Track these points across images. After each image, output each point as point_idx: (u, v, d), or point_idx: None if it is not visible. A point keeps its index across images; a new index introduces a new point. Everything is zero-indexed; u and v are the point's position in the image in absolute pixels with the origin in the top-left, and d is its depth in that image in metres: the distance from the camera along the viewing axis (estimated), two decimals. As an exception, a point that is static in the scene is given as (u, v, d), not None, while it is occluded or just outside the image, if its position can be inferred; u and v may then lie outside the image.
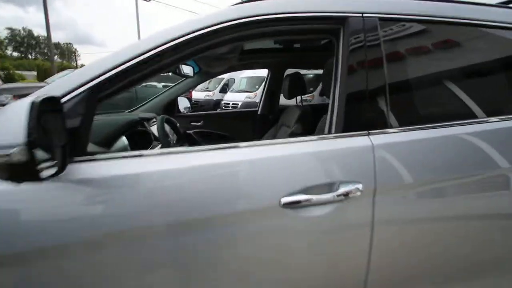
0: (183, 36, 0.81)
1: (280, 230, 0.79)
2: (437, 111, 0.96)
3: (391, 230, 0.85)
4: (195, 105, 9.05)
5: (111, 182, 0.73)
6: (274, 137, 2.12)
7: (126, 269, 0.75)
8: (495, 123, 0.93)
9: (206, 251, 0.76)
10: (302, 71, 2.32)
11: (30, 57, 63.71)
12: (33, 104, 0.59)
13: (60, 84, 0.75)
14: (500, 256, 0.97)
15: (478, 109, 0.95)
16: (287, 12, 0.87)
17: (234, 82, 9.36)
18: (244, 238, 0.78)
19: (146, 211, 0.73)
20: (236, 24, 0.84)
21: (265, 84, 2.63)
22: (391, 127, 0.87)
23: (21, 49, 64.47)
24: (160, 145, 1.19)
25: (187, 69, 1.86)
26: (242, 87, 8.56)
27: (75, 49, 77.89)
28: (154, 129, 1.44)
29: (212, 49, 0.90)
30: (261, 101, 2.60)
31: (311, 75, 7.06)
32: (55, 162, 0.65)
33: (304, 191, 0.77)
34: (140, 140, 1.29)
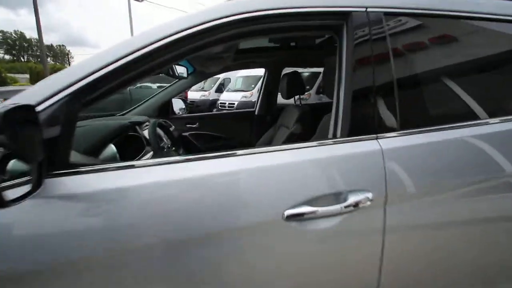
0: (175, 33, 0.74)
1: (284, 244, 0.73)
2: (453, 110, 0.89)
3: (403, 240, 0.79)
4: (191, 105, 8.95)
5: (97, 197, 0.65)
6: (272, 138, 2.06)
7: None
8: None
9: (207, 270, 0.70)
10: (298, 70, 2.26)
11: (22, 59, 62.92)
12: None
13: (36, 90, 0.68)
14: None
15: (502, 107, 0.88)
16: (287, 7, 0.80)
17: (230, 81, 9.28)
18: (246, 254, 0.72)
19: (138, 230, 0.66)
20: (233, 20, 0.77)
21: (262, 83, 2.56)
22: (402, 129, 0.80)
23: (13, 52, 63.63)
24: (152, 153, 1.12)
25: (180, 70, 1.79)
26: (238, 87, 8.49)
27: (69, 51, 77.03)
28: (146, 133, 1.36)
29: (207, 48, 0.83)
30: (258, 101, 2.53)
31: (307, 73, 7.02)
32: (29, 178, 0.58)
33: (309, 202, 0.71)
34: (132, 146, 1.21)
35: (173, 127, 2.20)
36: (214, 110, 8.40)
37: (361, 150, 0.77)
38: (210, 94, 9.39)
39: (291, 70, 1.95)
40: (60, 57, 69.98)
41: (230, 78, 9.42)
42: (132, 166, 0.70)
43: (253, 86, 7.92)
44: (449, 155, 0.80)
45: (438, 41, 0.90)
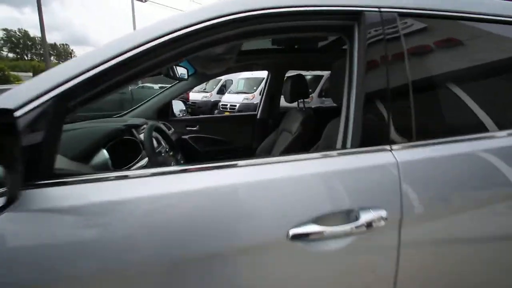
0: (175, 31, 0.68)
1: (289, 266, 0.66)
2: (478, 118, 0.81)
3: (420, 263, 0.72)
4: (193, 106, 8.92)
5: (85, 211, 0.59)
6: (274, 143, 1.99)
7: None
8: None
9: None
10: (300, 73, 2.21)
11: (26, 58, 63.21)
12: None
13: (18, 92, 0.61)
14: None
15: None
16: (295, 5, 0.74)
17: (232, 83, 9.25)
18: (248, 276, 0.65)
19: (130, 249, 0.59)
20: (237, 18, 0.70)
21: (265, 86, 2.50)
22: (419, 139, 0.74)
23: (17, 50, 63.96)
24: (146, 159, 1.05)
25: (181, 71, 1.72)
26: (240, 89, 8.45)
27: (72, 50, 77.42)
28: (143, 137, 1.30)
29: (209, 48, 0.76)
30: (261, 104, 2.46)
31: (309, 76, 6.97)
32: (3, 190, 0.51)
33: (316, 220, 0.64)
34: (127, 150, 1.15)
35: (173, 129, 2.14)
36: (216, 111, 8.36)
37: (374, 162, 0.70)
38: (212, 96, 9.35)
39: (295, 73, 1.89)
40: (64, 56, 70.28)
41: (232, 80, 9.38)
42: (126, 177, 0.64)
43: (255, 88, 7.88)
44: (474, 169, 0.73)
45: (457, 44, 0.84)
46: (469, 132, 0.77)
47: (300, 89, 1.81)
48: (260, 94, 2.76)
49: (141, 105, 2.14)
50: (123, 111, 2.07)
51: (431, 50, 0.83)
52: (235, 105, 7.68)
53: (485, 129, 0.78)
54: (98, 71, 0.64)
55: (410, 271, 0.71)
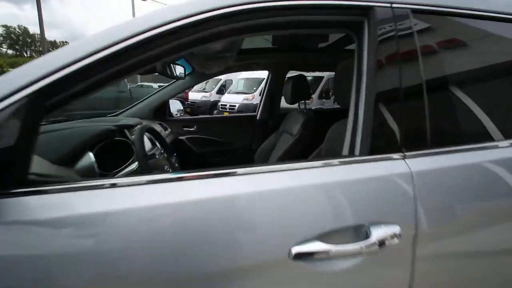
0: (169, 23, 0.61)
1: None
2: (501, 123, 0.74)
3: (435, 281, 0.65)
4: (192, 106, 8.87)
5: (64, 224, 0.52)
6: (274, 145, 1.93)
7: None
8: None
9: None
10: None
11: (25, 55, 62.93)
12: None
13: None
14: None
15: None
16: None
17: (232, 83, 9.19)
18: None
19: (119, 268, 0.52)
20: (238, 11, 0.64)
21: (265, 86, 2.43)
22: (435, 146, 0.67)
23: (16, 47, 63.69)
24: (137, 163, 0.98)
25: (177, 70, 1.65)
26: (240, 89, 8.40)
27: (72, 47, 76.88)
28: None
29: (207, 43, 0.69)
30: (260, 105, 2.40)
31: (310, 78, 6.93)
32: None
33: (321, 237, 0.57)
34: (118, 153, 1.08)
35: (169, 130, 2.07)
36: (215, 112, 8.31)
37: (386, 172, 0.63)
38: (211, 96, 9.31)
39: (296, 74, 1.83)
40: (63, 53, 69.85)
41: (232, 80, 9.33)
42: (114, 185, 0.57)
43: (254, 88, 7.83)
44: (496, 180, 0.67)
45: (475, 43, 0.78)
46: (492, 139, 0.70)
47: (302, 90, 1.75)
48: (260, 95, 2.69)
49: (137, 104, 2.07)
50: (119, 111, 2.00)
51: (447, 49, 0.77)
52: (235, 106, 7.64)
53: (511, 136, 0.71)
54: (81, 66, 0.57)
55: None
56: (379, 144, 0.66)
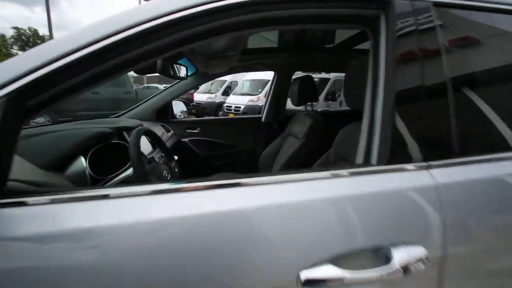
0: (171, 13, 0.54)
1: None
2: None
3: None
4: (197, 107, 8.85)
5: (50, 240, 0.46)
6: (279, 149, 1.85)
7: None
8: None
9: None
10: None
11: (35, 56, 64.05)
12: None
13: None
14: None
15: None
16: None
17: (237, 84, 9.16)
18: None
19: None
20: (241, 3, 0.57)
21: (271, 87, 2.36)
22: (463, 155, 0.59)
23: (27, 48, 64.94)
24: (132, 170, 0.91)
25: (180, 70, 1.59)
26: (245, 90, 8.35)
27: (80, 49, 78.10)
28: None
29: (211, 36, 0.63)
30: (266, 107, 2.32)
31: (316, 79, 6.85)
32: None
33: (334, 261, 0.49)
34: (115, 157, 1.01)
35: (172, 132, 2.01)
36: (220, 113, 8.27)
37: (406, 184, 0.55)
38: (217, 97, 9.28)
39: (303, 75, 1.76)
40: (72, 55, 71.05)
41: (237, 81, 9.30)
42: (107, 196, 0.50)
43: (260, 90, 7.77)
44: None
45: (506, 39, 0.70)
46: None
47: (309, 91, 1.67)
48: (265, 96, 2.62)
49: (139, 105, 2.01)
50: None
51: (473, 46, 0.69)
52: (240, 107, 7.59)
53: None
54: (68, 61, 0.51)
55: None
56: (399, 151, 0.59)
